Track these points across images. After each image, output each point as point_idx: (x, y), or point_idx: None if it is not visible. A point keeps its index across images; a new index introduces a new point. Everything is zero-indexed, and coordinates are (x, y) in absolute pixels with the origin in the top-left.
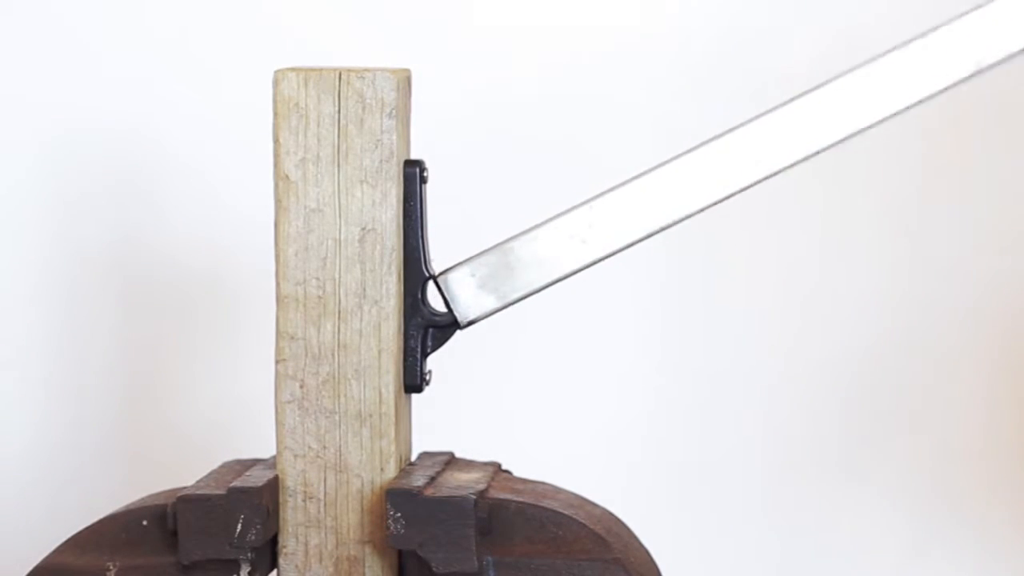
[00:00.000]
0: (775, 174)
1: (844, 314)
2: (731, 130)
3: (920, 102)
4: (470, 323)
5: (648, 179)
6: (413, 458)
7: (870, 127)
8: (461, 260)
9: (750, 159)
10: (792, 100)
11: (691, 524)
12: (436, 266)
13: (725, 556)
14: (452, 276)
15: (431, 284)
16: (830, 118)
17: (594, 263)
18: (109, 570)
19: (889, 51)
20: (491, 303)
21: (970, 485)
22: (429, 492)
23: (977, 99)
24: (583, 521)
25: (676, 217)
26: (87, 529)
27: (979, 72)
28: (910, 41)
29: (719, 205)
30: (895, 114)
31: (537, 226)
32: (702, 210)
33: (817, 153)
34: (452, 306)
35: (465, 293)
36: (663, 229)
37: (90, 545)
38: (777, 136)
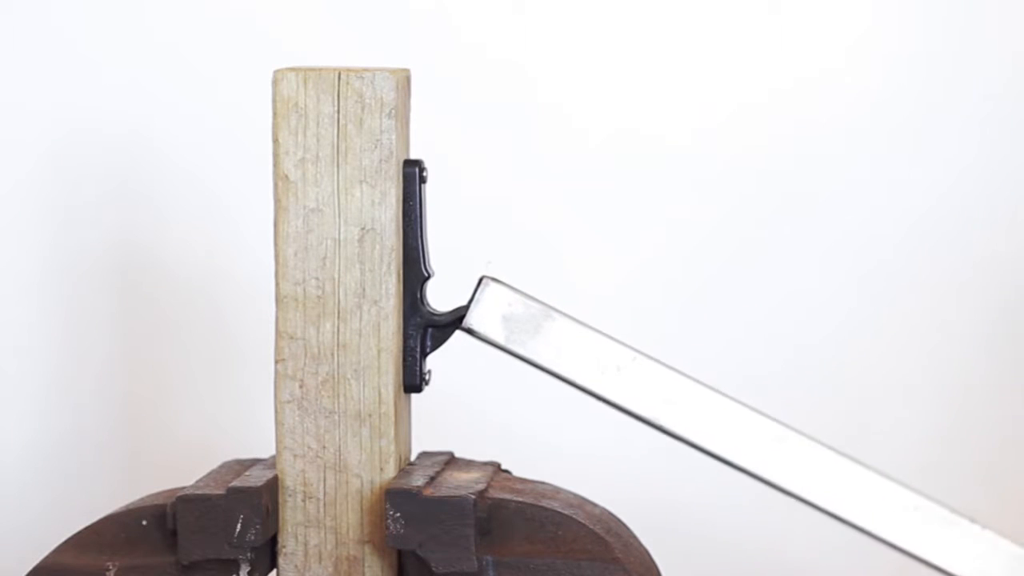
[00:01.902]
0: (813, 504)
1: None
2: (800, 434)
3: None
4: (470, 330)
5: (698, 391)
6: (413, 458)
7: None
8: (516, 285)
9: (794, 468)
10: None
11: (691, 524)
12: (486, 268)
13: (725, 555)
14: (493, 288)
15: (480, 278)
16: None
17: (591, 395)
18: (108, 570)
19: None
20: (497, 336)
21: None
22: (429, 492)
23: None
24: (583, 521)
25: (693, 439)
26: (87, 529)
27: None
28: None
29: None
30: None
31: (588, 325)
32: (721, 460)
33: (847, 524)
34: (471, 305)
35: (489, 309)
36: (672, 435)
37: (90, 545)
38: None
